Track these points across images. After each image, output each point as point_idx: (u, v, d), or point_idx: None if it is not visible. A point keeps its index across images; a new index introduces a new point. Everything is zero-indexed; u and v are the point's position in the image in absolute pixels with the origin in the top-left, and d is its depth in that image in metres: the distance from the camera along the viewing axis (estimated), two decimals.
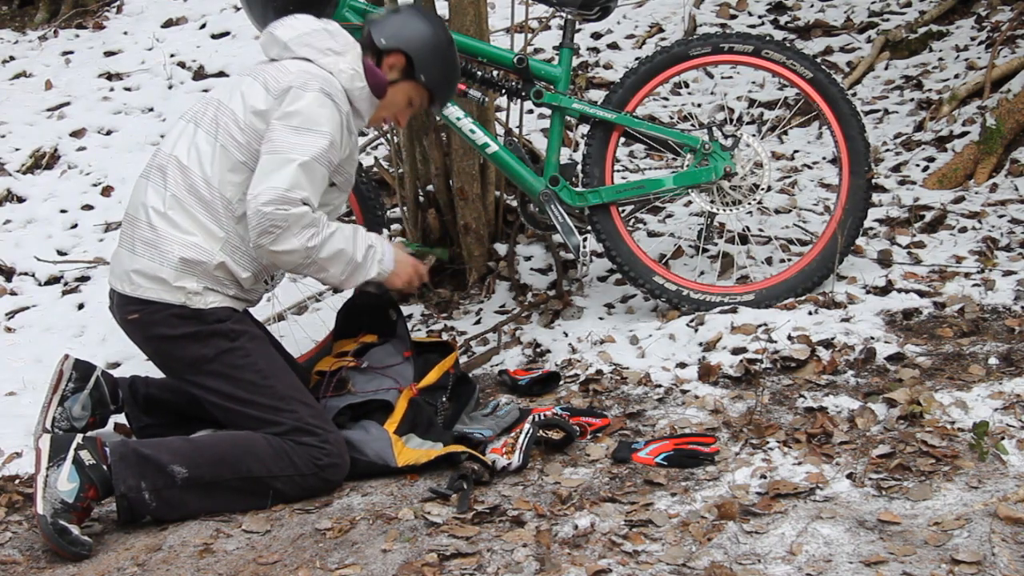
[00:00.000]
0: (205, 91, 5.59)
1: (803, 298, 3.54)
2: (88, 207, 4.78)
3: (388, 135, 4.28)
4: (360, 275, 2.94)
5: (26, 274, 4.42)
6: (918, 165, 4.44)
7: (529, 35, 5.01)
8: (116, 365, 3.73)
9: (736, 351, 3.25)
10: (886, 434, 2.79)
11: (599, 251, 3.98)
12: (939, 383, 3.00)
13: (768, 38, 3.71)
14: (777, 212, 4.17)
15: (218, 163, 2.85)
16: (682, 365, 3.29)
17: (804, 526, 2.43)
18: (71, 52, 6.13)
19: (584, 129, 3.93)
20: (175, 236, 2.84)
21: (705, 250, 3.86)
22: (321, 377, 3.15)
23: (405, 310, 3.92)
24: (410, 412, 3.03)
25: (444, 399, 3.22)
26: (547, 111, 4.22)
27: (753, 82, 5.18)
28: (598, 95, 4.99)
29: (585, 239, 3.57)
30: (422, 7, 3.28)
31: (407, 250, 3.17)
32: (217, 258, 2.85)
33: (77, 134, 5.28)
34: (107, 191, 4.85)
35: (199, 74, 5.74)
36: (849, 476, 2.62)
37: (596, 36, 5.72)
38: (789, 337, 3.26)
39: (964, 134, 4.45)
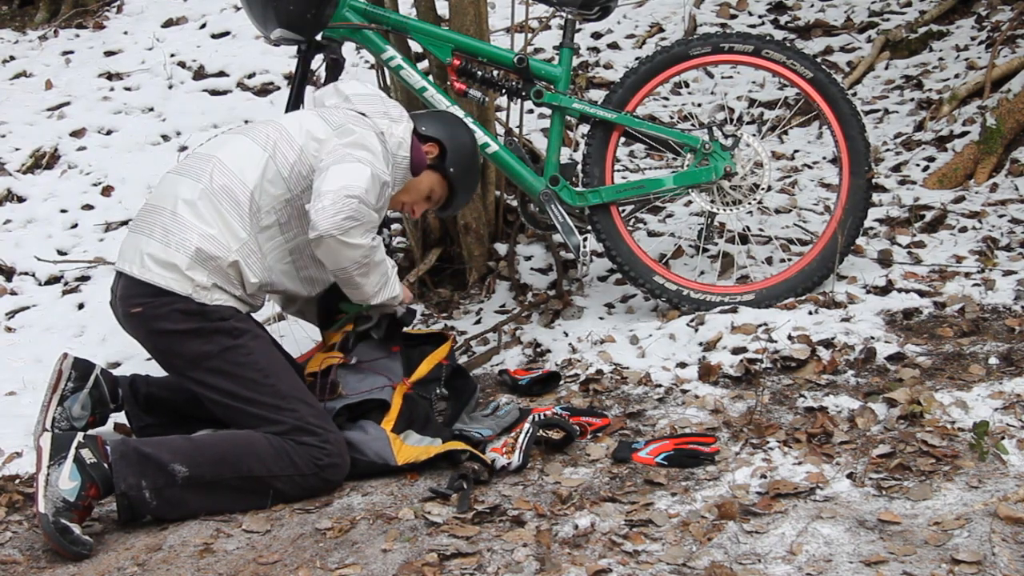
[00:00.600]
0: (205, 91, 5.60)
1: (803, 298, 3.54)
2: (88, 207, 4.78)
3: None
4: (387, 291, 3.07)
5: (26, 274, 4.42)
6: (918, 165, 4.44)
7: (529, 35, 5.01)
8: (116, 365, 3.73)
9: (736, 351, 3.26)
10: (886, 434, 2.79)
11: (599, 251, 3.98)
12: (939, 383, 3.00)
13: (768, 38, 3.71)
14: (777, 212, 4.17)
15: (261, 171, 2.92)
16: (682, 365, 3.29)
17: (804, 526, 2.43)
18: (71, 52, 6.13)
19: (584, 129, 3.93)
20: (196, 226, 2.86)
21: (705, 250, 3.86)
22: (314, 379, 3.13)
23: None
24: (406, 408, 3.03)
25: (438, 391, 3.22)
26: (547, 111, 4.23)
27: (753, 82, 5.18)
28: (598, 95, 4.99)
29: (585, 239, 3.57)
30: (460, 118, 3.42)
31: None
32: (232, 257, 2.87)
33: (77, 134, 5.28)
34: (107, 191, 4.85)
35: (199, 74, 5.74)
36: (849, 476, 2.63)
37: (596, 36, 5.72)
38: (789, 337, 3.26)
39: (964, 134, 4.45)
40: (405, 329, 3.31)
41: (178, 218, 2.88)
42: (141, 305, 2.87)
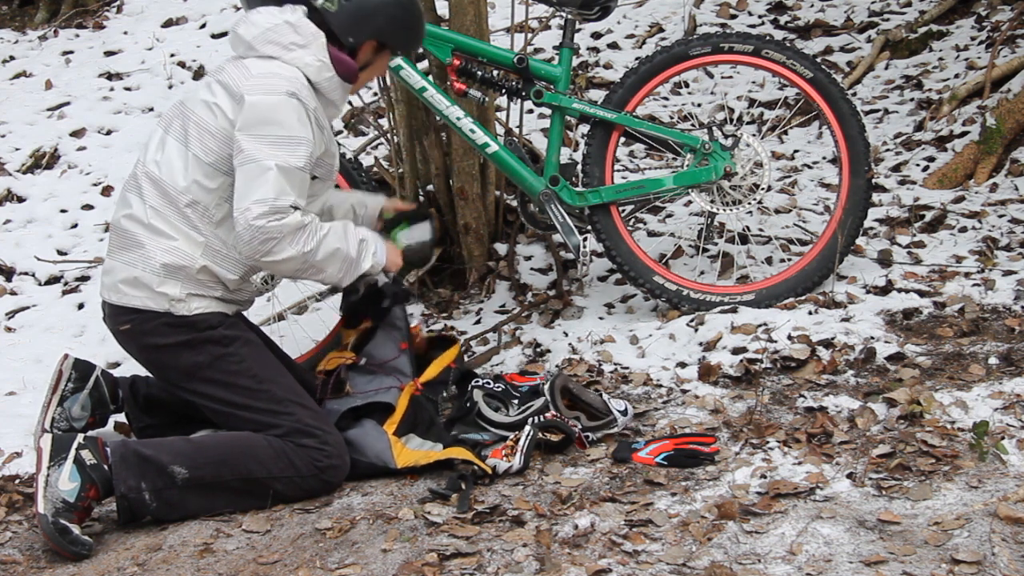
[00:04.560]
0: None
1: (803, 298, 3.54)
2: (88, 207, 4.78)
3: (388, 135, 4.28)
4: (356, 270, 2.94)
5: (26, 274, 4.42)
6: (918, 165, 4.44)
7: (529, 35, 5.01)
8: (116, 365, 3.73)
9: (736, 351, 3.26)
10: (886, 434, 2.79)
11: (599, 251, 3.98)
12: (939, 383, 3.00)
13: (768, 38, 3.71)
14: (777, 212, 4.17)
15: (191, 172, 2.83)
16: (682, 365, 3.29)
17: (804, 526, 2.43)
18: (71, 52, 6.13)
19: (584, 129, 3.93)
20: (157, 242, 2.84)
21: (705, 250, 3.86)
22: (325, 376, 3.14)
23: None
24: (410, 411, 3.02)
25: (444, 394, 3.22)
26: (547, 111, 4.22)
27: (753, 82, 5.18)
28: (598, 95, 4.98)
29: (585, 239, 3.57)
30: None
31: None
32: (199, 262, 2.85)
33: (77, 134, 5.28)
34: (107, 191, 4.85)
35: (199, 74, 5.73)
36: (849, 476, 2.63)
37: (596, 36, 5.72)
38: (789, 337, 3.26)
39: (964, 134, 4.44)
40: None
41: (138, 239, 2.85)
42: (128, 322, 2.88)
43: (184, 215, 2.84)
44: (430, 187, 4.07)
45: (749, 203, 3.57)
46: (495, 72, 3.62)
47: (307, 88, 2.85)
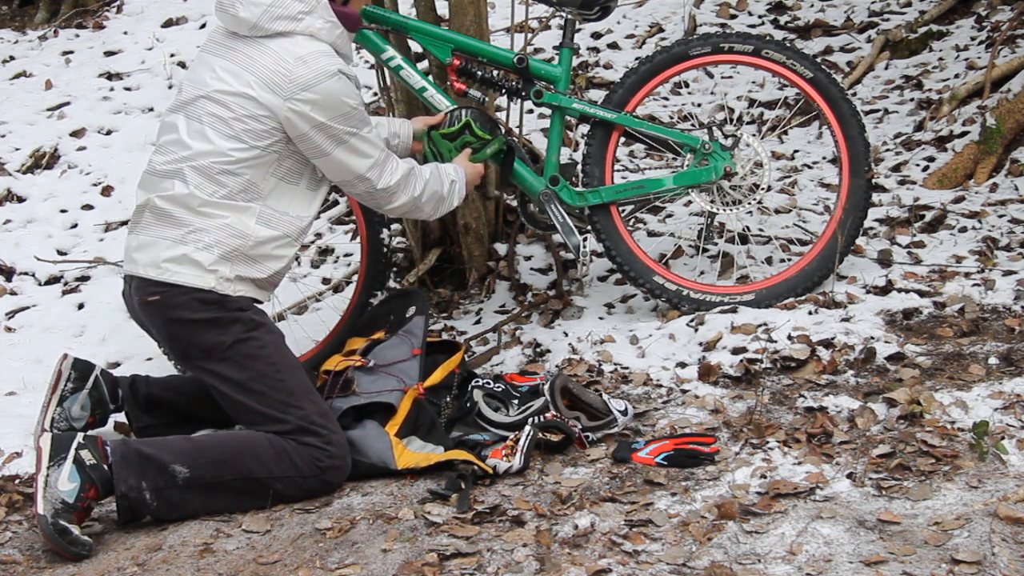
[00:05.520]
0: None
1: (803, 298, 3.54)
2: (88, 207, 4.78)
3: None
4: (444, 207, 3.21)
5: (26, 274, 4.41)
6: (918, 165, 4.44)
7: (529, 35, 5.01)
8: (116, 365, 3.73)
9: (736, 351, 3.26)
10: (886, 434, 2.80)
11: (599, 251, 3.98)
12: (939, 383, 3.00)
13: (768, 38, 3.71)
14: (777, 212, 4.17)
15: (240, 157, 2.85)
16: (682, 365, 3.29)
17: (804, 526, 2.43)
18: (71, 52, 6.13)
19: (584, 129, 3.93)
20: (210, 222, 2.85)
21: (705, 250, 3.86)
22: (328, 376, 3.14)
23: None
24: (413, 413, 3.02)
25: (448, 399, 3.22)
26: (547, 111, 4.22)
27: (753, 82, 5.18)
28: (598, 95, 4.98)
29: (585, 239, 3.57)
30: None
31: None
32: (253, 235, 2.87)
33: (77, 134, 5.28)
34: (107, 191, 4.85)
35: None
36: (849, 476, 2.63)
37: (596, 36, 5.71)
38: (789, 337, 3.26)
39: (964, 134, 4.44)
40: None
41: (184, 217, 2.85)
42: (159, 294, 2.86)
43: (234, 197, 2.87)
44: None
45: (749, 203, 3.58)
46: (495, 72, 3.62)
47: (337, 56, 2.92)
